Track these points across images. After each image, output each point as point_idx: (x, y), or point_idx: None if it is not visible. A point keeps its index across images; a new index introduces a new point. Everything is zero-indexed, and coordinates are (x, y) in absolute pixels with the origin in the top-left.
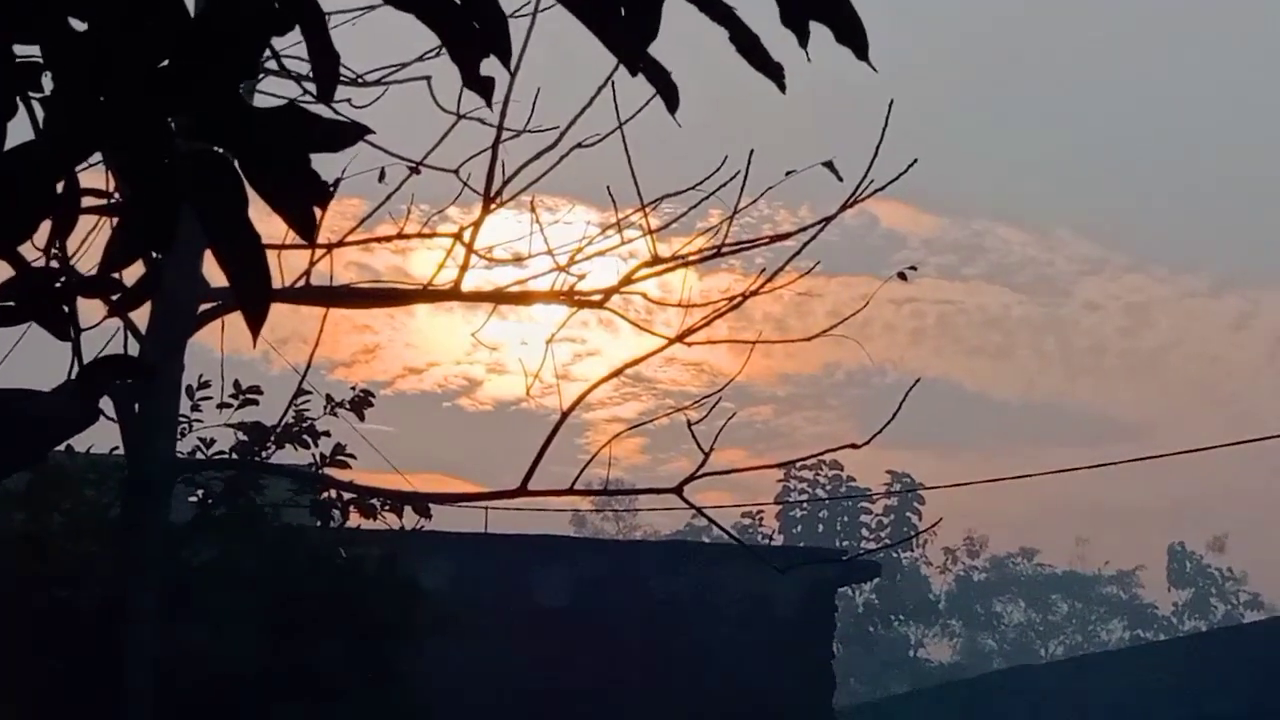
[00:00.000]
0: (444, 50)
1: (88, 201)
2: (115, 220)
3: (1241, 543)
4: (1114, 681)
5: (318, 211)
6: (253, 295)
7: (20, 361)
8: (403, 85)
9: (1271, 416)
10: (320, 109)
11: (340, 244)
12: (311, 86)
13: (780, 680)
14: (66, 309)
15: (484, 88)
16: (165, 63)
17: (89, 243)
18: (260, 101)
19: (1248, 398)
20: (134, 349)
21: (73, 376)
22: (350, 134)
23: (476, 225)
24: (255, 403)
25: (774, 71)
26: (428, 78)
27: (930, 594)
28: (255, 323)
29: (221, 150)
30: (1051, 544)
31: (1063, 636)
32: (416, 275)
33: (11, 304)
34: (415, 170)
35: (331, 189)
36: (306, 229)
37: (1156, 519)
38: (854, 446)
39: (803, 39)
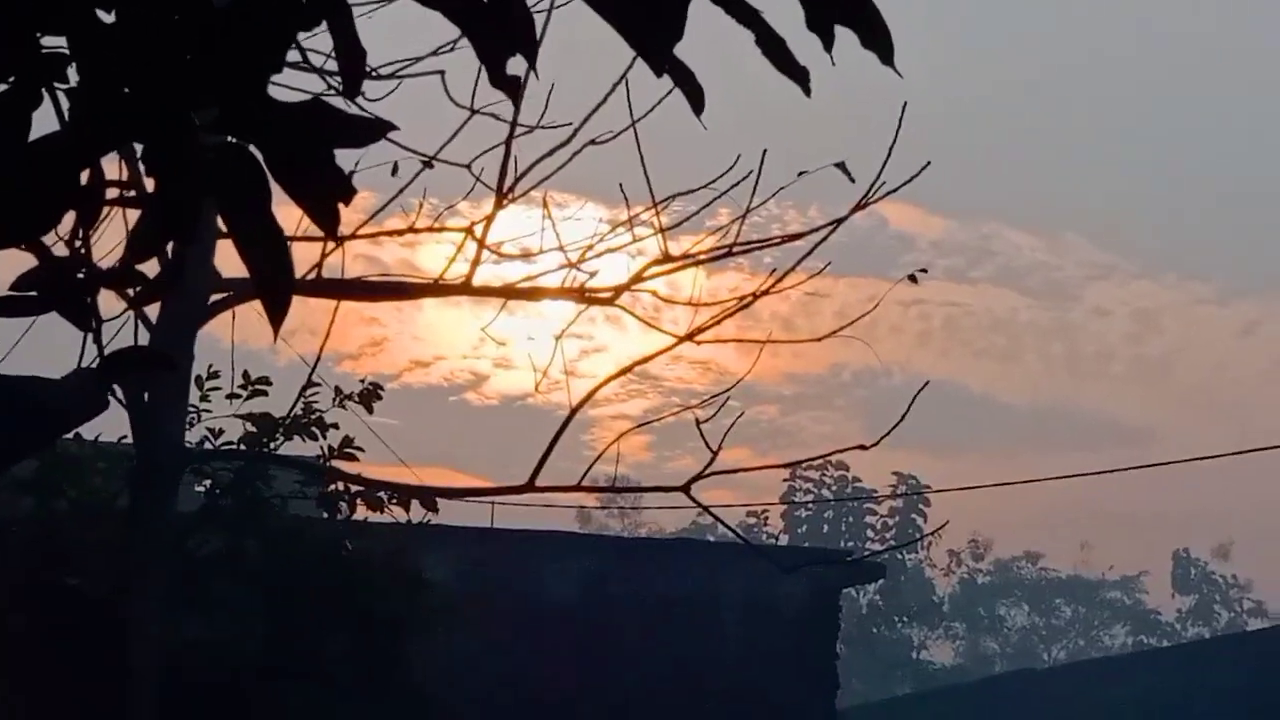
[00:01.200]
0: (457, 45)
1: (112, 193)
2: (131, 212)
3: (1246, 550)
4: (1116, 687)
5: (340, 206)
6: (275, 289)
7: (27, 349)
8: (416, 79)
9: (1278, 423)
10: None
11: (352, 236)
12: (331, 79)
13: (783, 680)
14: (88, 300)
15: (510, 86)
16: (191, 56)
17: (99, 233)
18: (279, 93)
19: (1254, 405)
20: (144, 338)
21: (92, 367)
22: (374, 130)
23: (489, 220)
24: (264, 394)
25: (799, 75)
26: (442, 72)
27: (934, 596)
28: (277, 317)
29: (246, 144)
30: (1056, 548)
31: (1065, 641)
32: (424, 269)
33: (34, 294)
34: (428, 165)
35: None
36: (330, 224)
37: (1161, 525)
38: (862, 448)
39: (828, 43)
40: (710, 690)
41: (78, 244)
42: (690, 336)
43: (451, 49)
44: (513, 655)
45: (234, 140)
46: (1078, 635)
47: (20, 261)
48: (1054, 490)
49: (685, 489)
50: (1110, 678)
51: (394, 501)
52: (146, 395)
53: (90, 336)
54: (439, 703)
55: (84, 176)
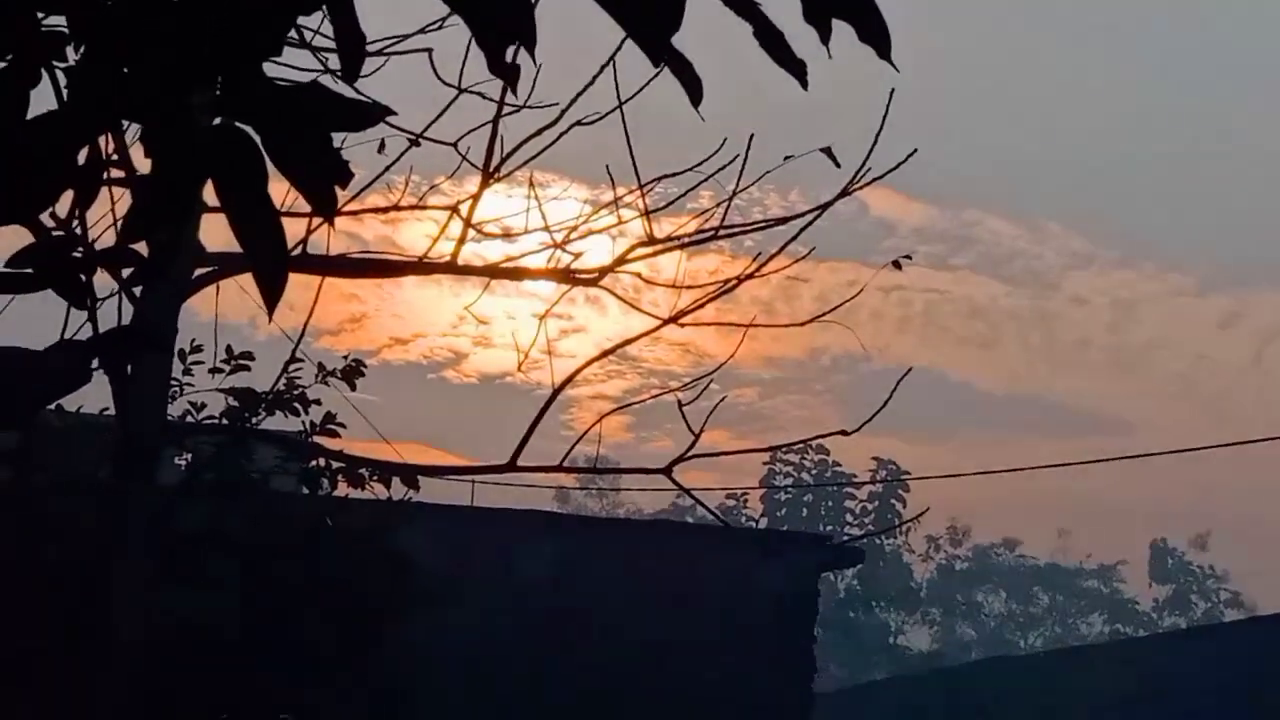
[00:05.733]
0: (445, 23)
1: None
2: (120, 188)
3: (1224, 541)
4: (1092, 675)
5: (338, 190)
6: (270, 271)
7: (8, 319)
8: (404, 56)
9: (1256, 415)
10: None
11: (338, 213)
12: (326, 57)
13: (761, 663)
14: (84, 278)
15: (509, 74)
16: (190, 37)
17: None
18: (274, 70)
19: (1232, 396)
20: (127, 310)
21: (77, 339)
22: (371, 114)
23: (475, 199)
24: (247, 368)
25: (797, 69)
26: (429, 50)
27: (912, 581)
28: (272, 298)
29: (242, 126)
30: (1034, 536)
31: (1042, 629)
32: (405, 246)
33: (29, 271)
34: (415, 143)
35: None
36: (327, 207)
37: (1140, 514)
38: (844, 434)
39: (825, 36)
40: (687, 673)
41: (73, 222)
42: (674, 319)
43: (440, 26)
44: (489, 634)
45: (231, 122)
46: (1055, 623)
47: (16, 238)
48: (1032, 478)
49: (667, 471)
50: (1086, 666)
51: (375, 478)
52: (129, 369)
53: (73, 310)
54: (416, 678)
55: (81, 155)
